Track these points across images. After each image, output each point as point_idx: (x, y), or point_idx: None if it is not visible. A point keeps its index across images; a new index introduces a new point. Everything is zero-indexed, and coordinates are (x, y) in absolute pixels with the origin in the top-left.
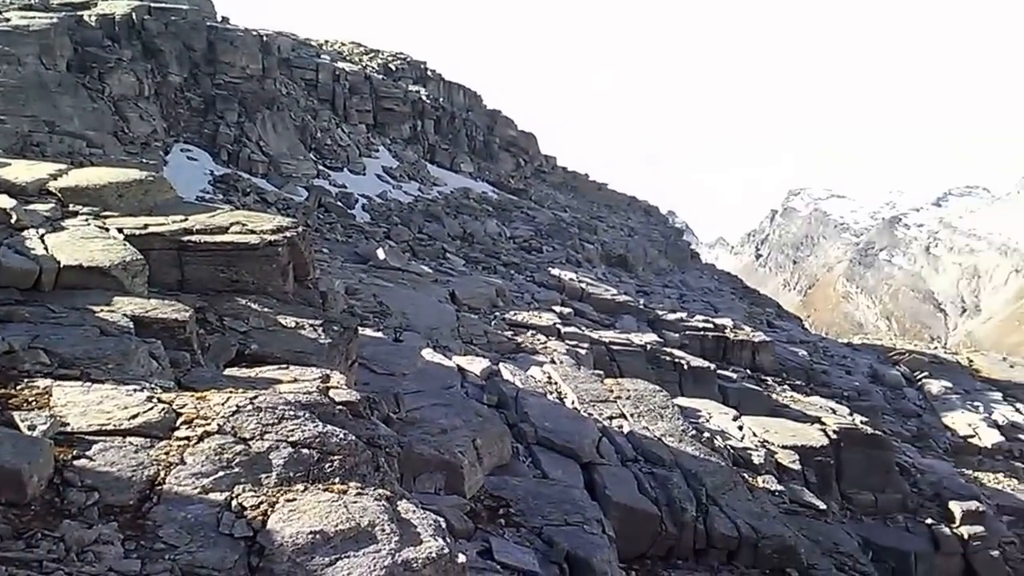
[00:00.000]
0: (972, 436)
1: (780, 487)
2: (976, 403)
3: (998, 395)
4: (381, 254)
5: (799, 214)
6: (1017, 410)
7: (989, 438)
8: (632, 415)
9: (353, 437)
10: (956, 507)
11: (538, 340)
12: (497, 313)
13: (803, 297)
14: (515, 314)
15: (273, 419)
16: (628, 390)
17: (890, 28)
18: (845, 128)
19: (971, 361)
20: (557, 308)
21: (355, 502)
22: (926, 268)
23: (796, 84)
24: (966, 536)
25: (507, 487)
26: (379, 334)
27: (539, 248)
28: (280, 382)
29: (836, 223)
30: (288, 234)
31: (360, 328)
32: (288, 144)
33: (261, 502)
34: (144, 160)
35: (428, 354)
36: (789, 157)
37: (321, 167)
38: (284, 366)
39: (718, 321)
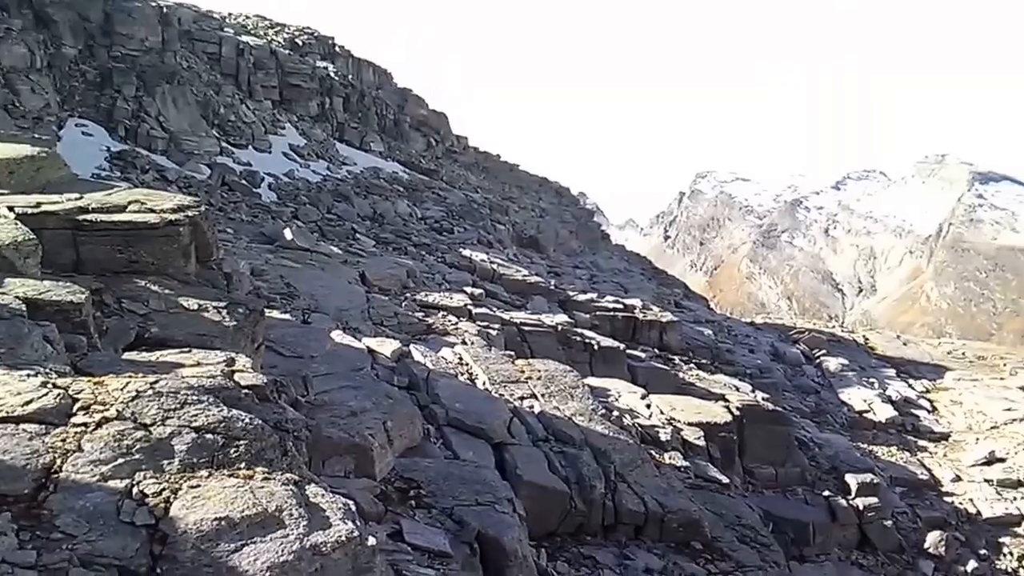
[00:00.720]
0: (867, 411)
1: (686, 463)
2: (871, 379)
3: (892, 372)
4: (288, 234)
5: (706, 196)
6: (910, 386)
7: (883, 413)
8: (543, 395)
9: (259, 421)
10: (852, 479)
11: (449, 321)
12: (408, 295)
13: (709, 278)
14: (426, 295)
15: (175, 404)
16: (539, 370)
17: (788, 13)
18: (751, 111)
19: (867, 339)
20: (468, 289)
21: (262, 487)
22: (825, 250)
23: (703, 61)
24: (861, 507)
25: (418, 469)
26: (287, 316)
27: (450, 229)
28: (182, 366)
29: (741, 205)
30: (189, 213)
31: (267, 310)
32: (189, 120)
33: (163, 489)
34: (36, 135)
35: (337, 336)
36: (697, 139)
37: (224, 144)
38: (186, 349)
39: (628, 302)
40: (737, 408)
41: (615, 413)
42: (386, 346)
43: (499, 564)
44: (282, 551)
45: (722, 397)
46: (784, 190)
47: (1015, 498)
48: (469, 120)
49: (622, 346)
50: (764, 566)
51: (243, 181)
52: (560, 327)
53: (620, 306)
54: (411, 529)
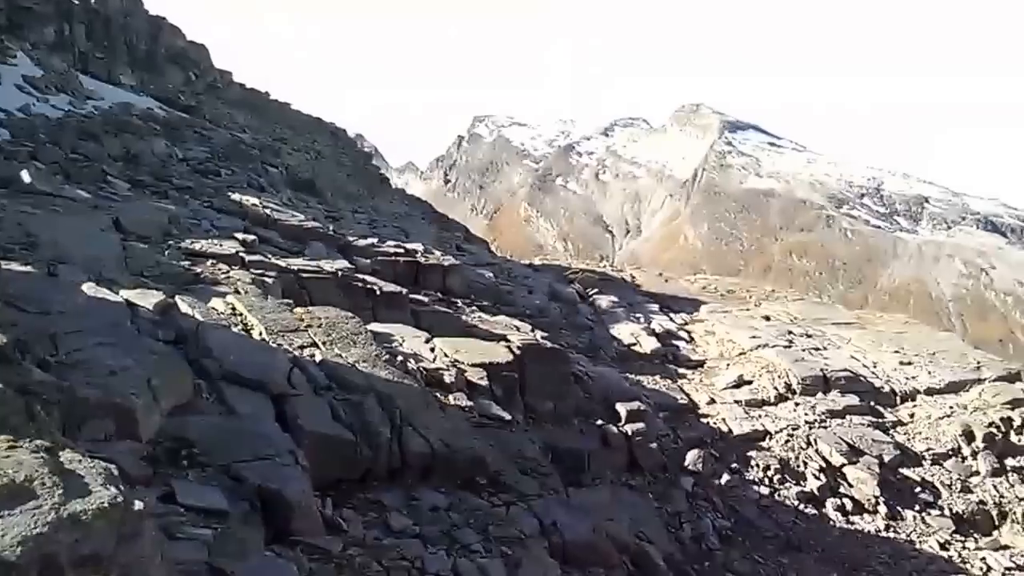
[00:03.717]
0: (635, 344)
1: (470, 403)
2: (638, 314)
3: (655, 306)
4: (26, 177)
5: (484, 141)
6: (671, 319)
7: (648, 345)
8: (324, 343)
9: (0, 385)
10: (622, 408)
11: (219, 270)
12: (171, 242)
13: (490, 221)
14: (192, 243)
15: None
16: (319, 318)
17: None
18: (523, 56)
19: (634, 277)
20: (240, 236)
21: (7, 456)
22: (596, 193)
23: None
24: (630, 432)
25: (190, 426)
26: (28, 268)
27: (216, 171)
28: None
29: (518, 150)
30: None
31: (2, 262)
32: None
33: None
34: None
35: (90, 289)
36: (473, 80)
37: None
38: None
39: (409, 246)
40: (518, 347)
41: (399, 358)
42: (148, 298)
43: (282, 517)
44: (35, 523)
45: (504, 337)
46: (557, 135)
47: (760, 416)
48: (234, 55)
49: (405, 291)
50: (543, 494)
51: None
52: (340, 273)
53: (402, 251)
54: (184, 490)
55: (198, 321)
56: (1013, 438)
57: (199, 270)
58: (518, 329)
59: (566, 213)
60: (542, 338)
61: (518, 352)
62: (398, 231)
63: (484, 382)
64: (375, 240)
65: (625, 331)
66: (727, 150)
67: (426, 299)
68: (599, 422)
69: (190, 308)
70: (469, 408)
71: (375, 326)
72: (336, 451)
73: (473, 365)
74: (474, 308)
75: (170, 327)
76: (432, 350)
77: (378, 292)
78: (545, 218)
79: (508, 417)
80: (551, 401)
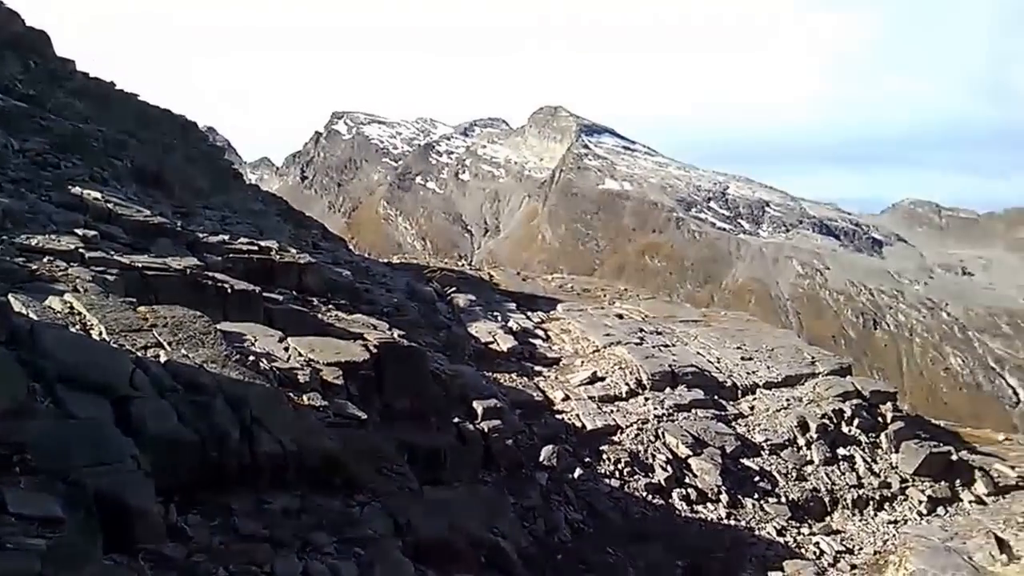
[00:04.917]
0: (492, 342)
1: (325, 403)
2: (496, 313)
3: (513, 305)
4: None
5: (343, 137)
6: (528, 318)
7: (506, 343)
8: (170, 343)
9: None
10: (478, 406)
11: (57, 267)
12: (5, 237)
13: (348, 219)
14: (28, 238)
15: None
16: (165, 317)
17: None
18: (382, 54)
19: (492, 276)
20: (80, 231)
21: None
22: (456, 193)
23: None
24: (486, 429)
25: (22, 432)
26: None
27: (56, 164)
28: None
29: (377, 147)
30: None
31: None
32: None
33: None
34: None
35: None
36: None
37: None
38: None
39: (263, 243)
40: (375, 346)
41: (251, 358)
42: None
43: (122, 524)
44: None
45: (360, 336)
46: (417, 134)
47: (612, 411)
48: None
49: (258, 289)
50: (399, 493)
51: None
52: (189, 271)
53: (255, 248)
54: (15, 498)
55: (32, 321)
56: (844, 428)
57: (35, 267)
58: (375, 328)
59: (425, 212)
60: (400, 337)
61: (375, 351)
62: (251, 228)
63: (340, 381)
64: (227, 237)
65: (483, 329)
66: (584, 152)
67: (280, 298)
68: (456, 420)
69: (24, 307)
70: (324, 408)
71: (226, 325)
72: (181, 454)
73: (329, 364)
74: (331, 307)
75: (2, 327)
76: (286, 349)
77: (229, 291)
78: (404, 217)
79: (364, 416)
80: (408, 399)
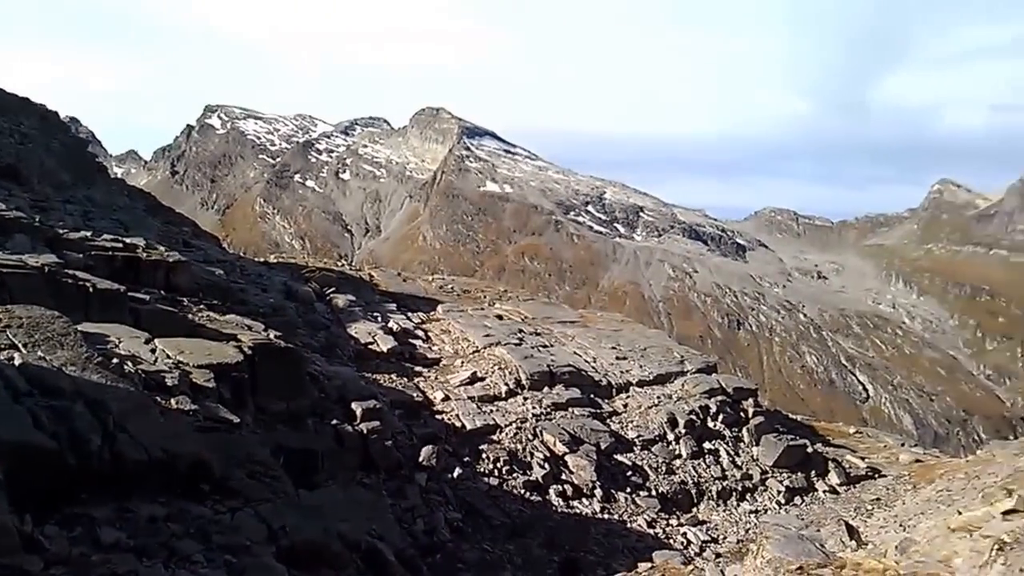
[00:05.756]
0: (372, 343)
1: (195, 406)
2: (376, 314)
3: (393, 305)
4: None
5: (217, 132)
6: (408, 318)
7: (385, 344)
8: (26, 345)
9: None
10: (357, 407)
11: None
12: None
13: (222, 217)
14: None
15: None
16: (21, 318)
17: None
18: (260, 48)
19: (372, 276)
20: None
21: None
22: (336, 192)
23: None
24: (365, 431)
25: None
26: None
27: None
28: None
29: (253, 144)
30: None
31: None
32: None
33: None
34: None
35: None
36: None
37: None
38: None
39: (129, 240)
40: (249, 347)
41: (115, 360)
42: None
43: None
44: None
45: (234, 337)
46: (296, 131)
47: (491, 411)
48: None
49: (123, 288)
50: (273, 498)
51: None
52: (47, 268)
53: (120, 245)
54: None
55: None
56: (710, 423)
57: None
58: (250, 328)
59: (304, 211)
60: (276, 337)
61: (249, 352)
62: (116, 224)
63: (211, 384)
64: (89, 233)
65: (363, 330)
66: (465, 155)
67: (147, 298)
68: (334, 421)
69: None
70: (193, 411)
71: (87, 326)
72: (38, 462)
73: (199, 366)
74: (202, 307)
75: None
76: (153, 351)
77: (91, 290)
78: (282, 215)
79: (236, 420)
80: (284, 402)
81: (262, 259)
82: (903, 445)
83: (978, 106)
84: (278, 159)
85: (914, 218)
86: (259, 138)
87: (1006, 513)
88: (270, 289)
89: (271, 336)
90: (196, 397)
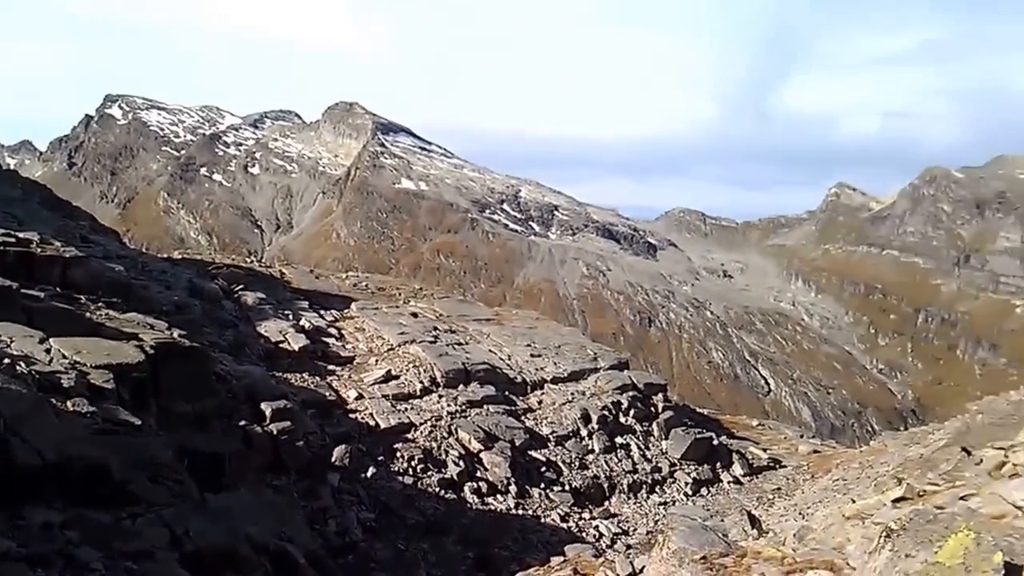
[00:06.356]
0: (283, 342)
1: (93, 408)
2: (287, 311)
3: (305, 303)
4: None
5: (118, 122)
6: (321, 316)
7: (297, 342)
8: None
9: None
10: (267, 407)
11: None
12: None
13: (122, 211)
14: None
15: None
16: None
17: None
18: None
19: (283, 274)
20: None
21: None
22: (245, 186)
23: None
24: (275, 431)
25: None
26: None
27: None
28: None
29: (157, 135)
30: None
31: None
32: None
33: None
34: None
35: None
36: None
37: None
38: None
39: (22, 235)
40: (151, 347)
41: (7, 361)
42: None
43: None
44: None
45: (135, 336)
46: (202, 123)
47: (406, 409)
48: None
49: (15, 285)
50: (176, 502)
51: None
52: None
53: (12, 240)
54: None
55: None
56: (621, 419)
57: None
58: (152, 327)
59: (211, 205)
60: (180, 336)
61: (151, 352)
62: (8, 218)
63: (111, 385)
64: None
65: (273, 328)
66: (380, 151)
67: (42, 295)
68: (243, 422)
69: None
70: (91, 414)
71: None
72: None
73: (97, 367)
74: (101, 305)
75: None
76: (48, 351)
77: None
78: (187, 210)
79: (138, 422)
80: (189, 403)
81: (166, 255)
82: (802, 437)
83: (872, 113)
84: (183, 151)
85: (812, 220)
86: (163, 129)
87: (896, 501)
88: (174, 286)
89: (175, 335)
90: (94, 399)
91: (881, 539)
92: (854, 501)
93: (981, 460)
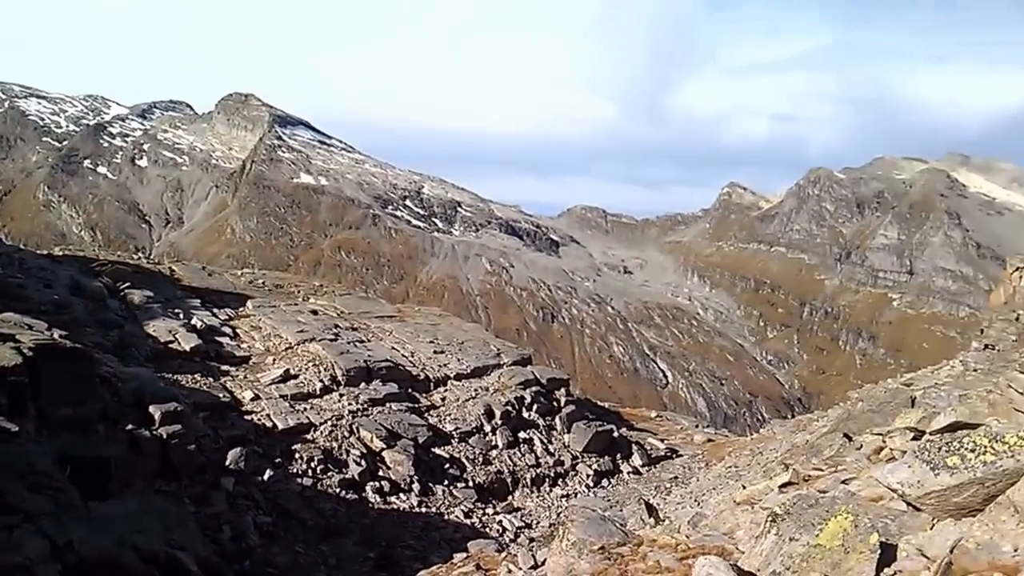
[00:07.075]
0: (172, 342)
1: None
2: (177, 310)
3: (197, 301)
4: None
5: None
6: (214, 315)
7: (188, 342)
8: None
9: None
10: (155, 410)
11: None
12: None
13: None
14: None
15: None
16: None
17: None
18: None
19: (173, 271)
20: None
21: None
22: (132, 179)
23: None
24: (165, 436)
25: None
26: None
27: None
28: None
29: (37, 125)
30: None
31: None
32: None
33: None
34: None
35: None
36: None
37: None
38: None
39: None
40: (29, 349)
41: None
42: None
43: None
44: None
45: (11, 338)
46: (86, 113)
47: (305, 409)
48: None
49: None
50: (58, 512)
51: None
52: None
53: None
54: None
55: None
56: (525, 414)
57: None
58: (30, 328)
59: (95, 199)
60: (61, 337)
61: (29, 354)
62: None
63: None
64: None
65: (162, 328)
66: (277, 144)
67: None
68: (129, 427)
69: None
70: None
71: None
72: None
73: None
74: None
75: None
76: None
77: None
78: (69, 203)
79: (15, 428)
80: (71, 407)
81: (45, 251)
82: (697, 426)
83: (761, 116)
84: (65, 142)
85: (707, 217)
86: (43, 119)
87: (783, 486)
88: (55, 284)
89: (55, 336)
90: None
91: (767, 524)
92: (745, 487)
93: (861, 445)
